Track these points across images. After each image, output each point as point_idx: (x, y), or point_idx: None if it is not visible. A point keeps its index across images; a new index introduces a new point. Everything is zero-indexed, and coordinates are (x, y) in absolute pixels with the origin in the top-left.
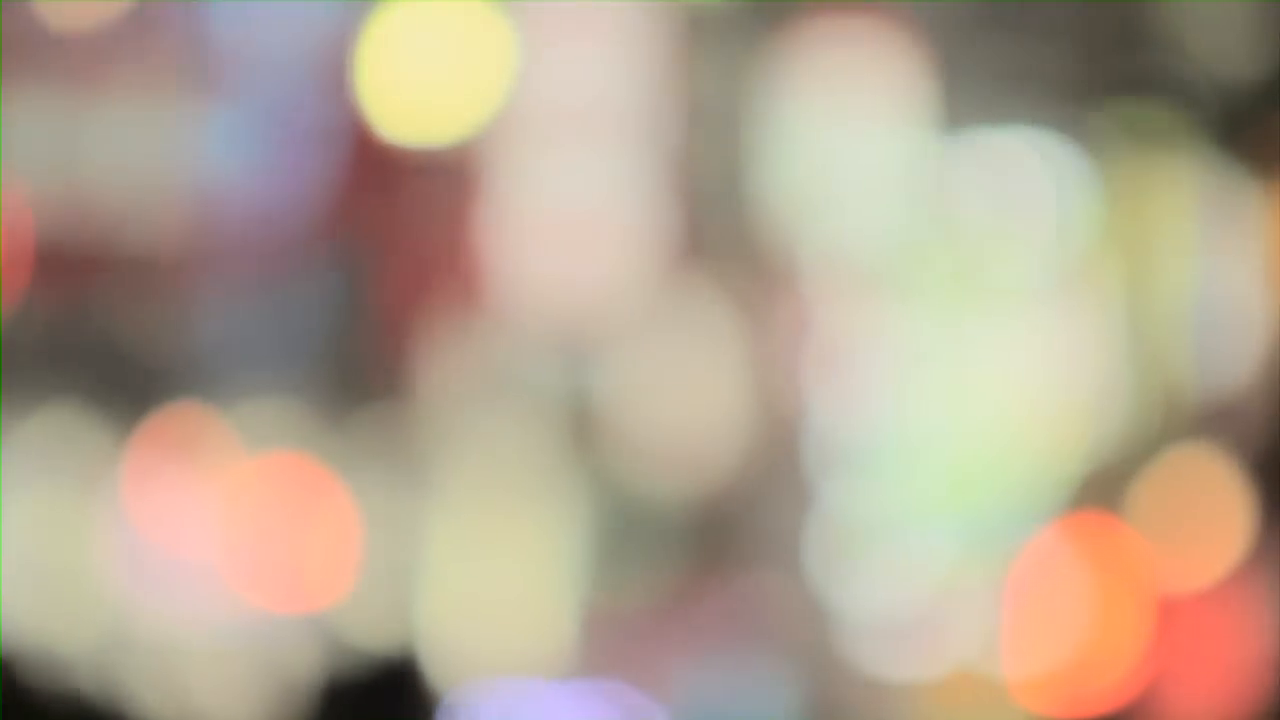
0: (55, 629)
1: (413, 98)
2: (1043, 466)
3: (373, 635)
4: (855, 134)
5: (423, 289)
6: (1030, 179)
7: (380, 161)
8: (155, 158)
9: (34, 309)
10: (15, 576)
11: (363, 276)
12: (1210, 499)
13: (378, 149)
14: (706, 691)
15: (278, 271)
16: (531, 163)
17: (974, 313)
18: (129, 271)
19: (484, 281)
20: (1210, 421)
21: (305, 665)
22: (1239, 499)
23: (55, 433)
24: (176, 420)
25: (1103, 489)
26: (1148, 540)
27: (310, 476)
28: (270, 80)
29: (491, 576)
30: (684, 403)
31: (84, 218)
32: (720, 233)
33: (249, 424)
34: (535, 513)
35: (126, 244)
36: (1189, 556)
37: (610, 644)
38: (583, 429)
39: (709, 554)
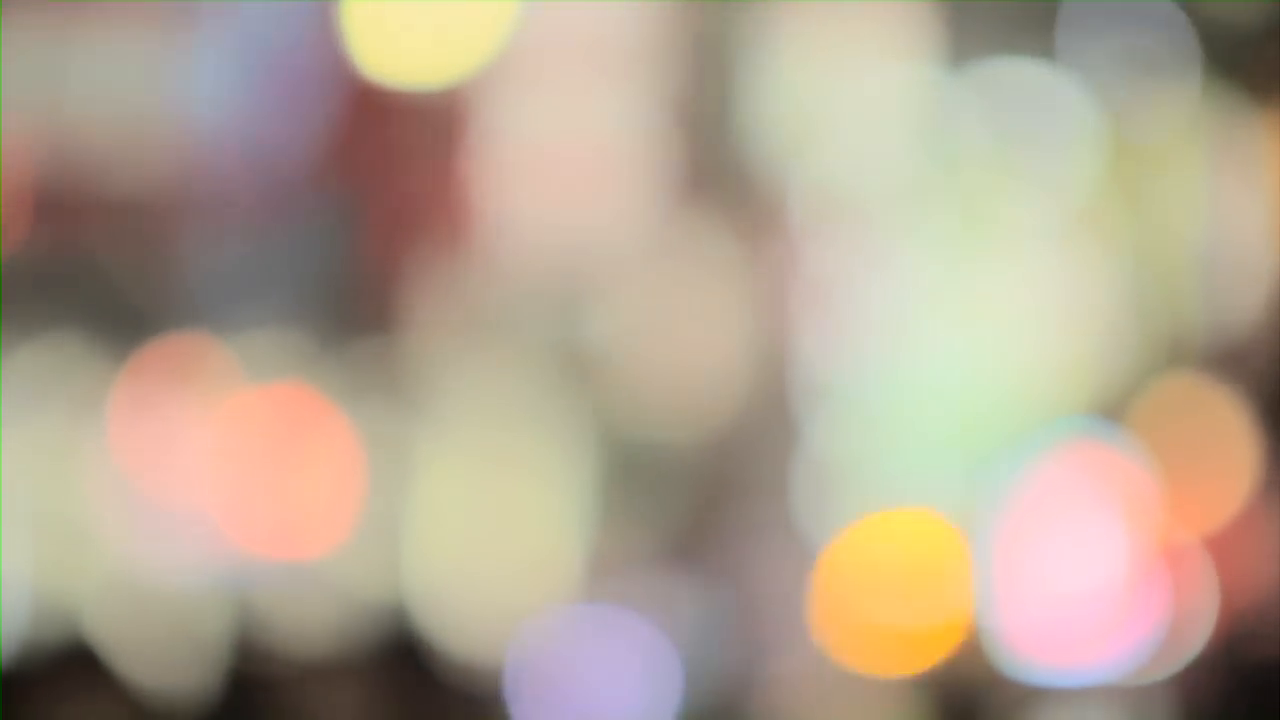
0: (50, 563)
1: (410, 33)
2: (1045, 406)
3: (371, 570)
4: (858, 69)
5: (422, 224)
6: (1034, 112)
7: (379, 92)
8: (150, 94)
9: (30, 244)
10: (9, 507)
11: (362, 211)
12: (1217, 438)
13: (376, 81)
14: (695, 634)
15: (275, 205)
16: (529, 98)
17: (976, 249)
18: (123, 207)
19: (481, 217)
20: (1217, 359)
21: (302, 602)
22: (1246, 438)
23: (52, 365)
24: (173, 351)
25: (1107, 429)
26: (1153, 482)
27: (309, 407)
28: (267, 14)
29: (489, 514)
30: (684, 341)
31: (78, 154)
32: (721, 171)
33: (246, 355)
34: (532, 450)
35: (121, 180)
36: (1196, 498)
37: (607, 582)
38: (580, 366)
39: (705, 494)
